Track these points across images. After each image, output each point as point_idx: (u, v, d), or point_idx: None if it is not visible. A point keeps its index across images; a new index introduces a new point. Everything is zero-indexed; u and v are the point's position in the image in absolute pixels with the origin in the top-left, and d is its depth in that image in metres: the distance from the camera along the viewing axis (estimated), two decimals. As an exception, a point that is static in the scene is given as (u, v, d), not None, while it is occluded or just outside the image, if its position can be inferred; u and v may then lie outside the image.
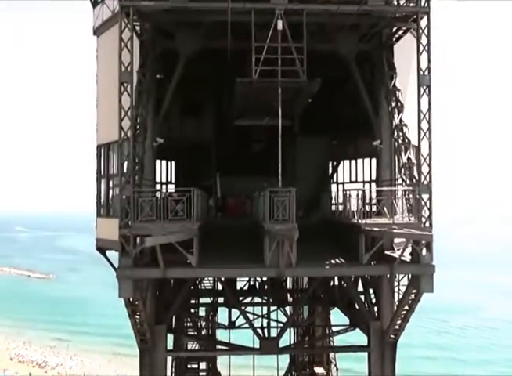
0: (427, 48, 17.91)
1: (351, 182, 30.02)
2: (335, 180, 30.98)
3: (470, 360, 67.11)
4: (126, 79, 17.20)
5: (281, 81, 17.13)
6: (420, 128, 18.03)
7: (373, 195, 21.26)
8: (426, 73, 17.91)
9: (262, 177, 27.28)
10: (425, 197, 17.87)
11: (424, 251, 17.30)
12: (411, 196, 18.24)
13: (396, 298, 20.48)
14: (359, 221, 17.63)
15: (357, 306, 23.18)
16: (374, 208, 19.95)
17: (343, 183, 30.57)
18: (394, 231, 16.02)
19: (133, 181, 17.21)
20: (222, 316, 30.33)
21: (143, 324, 18.78)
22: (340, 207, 23.82)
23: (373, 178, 28.45)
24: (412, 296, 18.37)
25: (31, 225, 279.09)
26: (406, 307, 18.89)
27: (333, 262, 17.83)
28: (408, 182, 18.60)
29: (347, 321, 25.58)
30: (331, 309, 29.27)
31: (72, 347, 76.24)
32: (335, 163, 30.73)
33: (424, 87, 17.97)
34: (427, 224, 17.78)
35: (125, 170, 17.50)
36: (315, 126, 27.99)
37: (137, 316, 18.39)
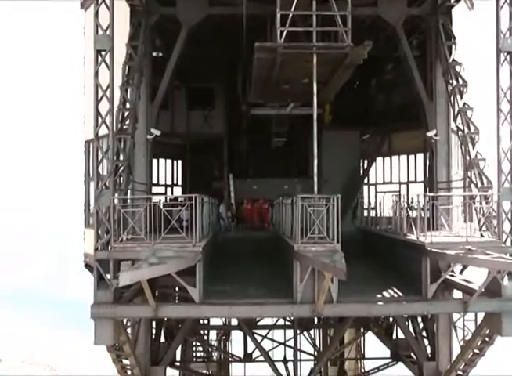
0: (508, 1, 13.30)
1: (384, 183, 26.10)
2: (367, 181, 27.09)
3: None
4: (103, 46, 12.96)
5: (318, 47, 12.58)
6: (499, 110, 13.44)
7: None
8: (507, 35, 13.34)
9: (283, 178, 23.96)
10: (506, 204, 13.33)
11: (506, 280, 12.73)
12: (483, 203, 13.76)
13: (459, 334, 15.97)
14: (420, 238, 13.01)
15: (400, 333, 18.85)
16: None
17: (375, 184, 26.50)
18: (481, 258, 11.17)
19: (114, 185, 12.84)
20: (237, 338, 26.15)
21: (134, 370, 14.45)
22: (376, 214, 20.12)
23: (412, 178, 24.71)
24: (486, 338, 13.74)
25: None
26: (476, 350, 14.31)
27: (385, 293, 13.18)
28: (479, 184, 14.11)
29: (383, 349, 21.28)
30: (365, 333, 24.80)
31: (83, 348, 73.66)
32: (367, 161, 26.44)
33: (505, 54, 13.44)
34: (508, 242, 13.27)
35: (104, 171, 13.21)
36: (345, 117, 23.84)
37: (125, 361, 14.07)
